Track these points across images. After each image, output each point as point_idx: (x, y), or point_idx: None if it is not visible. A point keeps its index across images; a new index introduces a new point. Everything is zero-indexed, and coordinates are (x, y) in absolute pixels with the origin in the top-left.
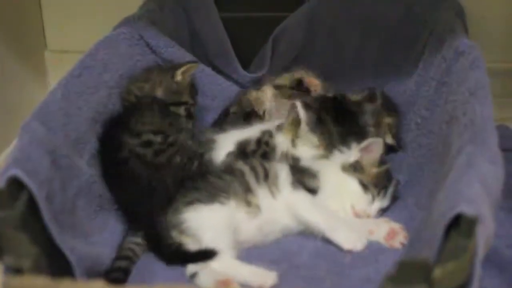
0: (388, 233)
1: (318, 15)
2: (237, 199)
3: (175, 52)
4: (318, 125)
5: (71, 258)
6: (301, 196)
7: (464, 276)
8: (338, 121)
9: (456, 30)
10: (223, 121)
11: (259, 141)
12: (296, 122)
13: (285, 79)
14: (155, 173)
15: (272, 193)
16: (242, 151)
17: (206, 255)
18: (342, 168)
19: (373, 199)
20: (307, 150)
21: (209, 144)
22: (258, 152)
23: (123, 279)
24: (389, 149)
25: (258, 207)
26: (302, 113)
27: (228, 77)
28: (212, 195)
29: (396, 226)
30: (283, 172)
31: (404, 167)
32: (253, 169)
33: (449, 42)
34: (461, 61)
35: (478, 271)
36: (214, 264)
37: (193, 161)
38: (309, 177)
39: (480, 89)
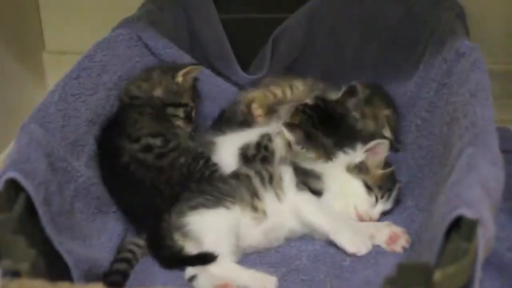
0: (389, 237)
1: (318, 16)
2: (243, 205)
3: (174, 53)
4: (308, 141)
5: (69, 260)
6: (306, 198)
7: (465, 279)
8: (327, 131)
9: (457, 31)
10: (222, 123)
11: (258, 145)
12: (288, 142)
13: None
14: (159, 176)
15: (278, 196)
16: (244, 156)
17: (206, 258)
18: (347, 169)
19: (376, 201)
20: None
21: (209, 147)
22: (258, 157)
23: (121, 282)
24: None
25: (264, 213)
26: (288, 135)
27: (227, 78)
28: (218, 200)
29: (398, 230)
30: (287, 175)
31: (404, 168)
32: (258, 172)
33: (450, 44)
34: (462, 63)
35: (478, 273)
36: (213, 268)
37: (198, 160)
38: (314, 179)
39: (481, 90)
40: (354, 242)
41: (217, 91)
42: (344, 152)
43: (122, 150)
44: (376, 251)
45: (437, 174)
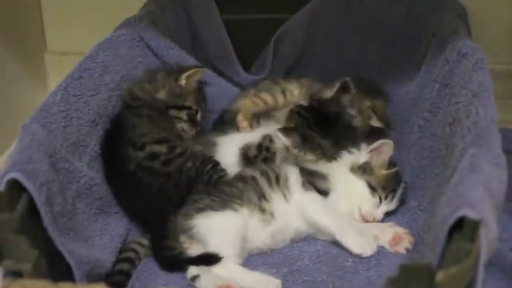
0: (393, 238)
1: (319, 17)
2: (251, 207)
3: (176, 53)
4: (305, 143)
5: (71, 261)
6: (312, 197)
7: (467, 279)
8: (323, 132)
9: (459, 32)
10: (223, 124)
11: (260, 146)
12: (286, 147)
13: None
14: (167, 181)
15: (285, 197)
16: (245, 156)
17: (210, 259)
18: (351, 169)
19: (380, 202)
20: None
21: (210, 147)
22: (259, 158)
23: (124, 283)
24: (380, 133)
25: (272, 214)
26: (284, 140)
27: (229, 79)
28: (225, 202)
29: (401, 231)
30: (293, 175)
31: (407, 169)
32: (264, 173)
33: (452, 44)
34: (464, 63)
35: (481, 274)
36: (217, 270)
37: (207, 164)
38: (320, 179)
39: (483, 91)
40: (360, 243)
41: (218, 91)
42: (349, 151)
43: (128, 158)
44: (378, 252)
45: (439, 175)
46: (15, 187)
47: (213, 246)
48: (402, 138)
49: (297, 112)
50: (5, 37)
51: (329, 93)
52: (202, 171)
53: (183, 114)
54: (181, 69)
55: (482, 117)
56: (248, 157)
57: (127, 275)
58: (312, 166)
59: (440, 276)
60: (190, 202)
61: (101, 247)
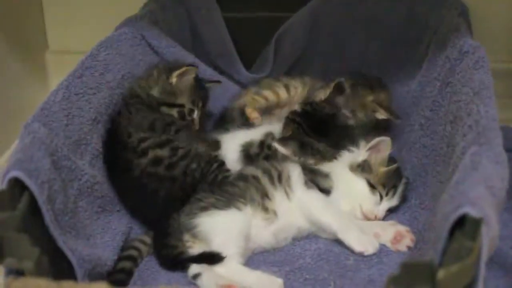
0: (394, 236)
1: (320, 16)
2: (254, 206)
3: (177, 52)
4: (304, 149)
5: (73, 259)
6: (314, 196)
7: (469, 277)
8: (319, 136)
9: (460, 30)
10: (225, 122)
11: (262, 144)
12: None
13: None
14: (172, 185)
15: (287, 195)
16: (246, 153)
17: (211, 258)
18: (350, 168)
19: (381, 199)
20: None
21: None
22: (261, 155)
23: (125, 281)
24: (388, 125)
25: (275, 213)
26: (283, 150)
27: (230, 77)
28: (229, 201)
29: (403, 229)
30: (295, 173)
31: (408, 168)
32: (266, 171)
33: (453, 42)
34: (465, 61)
35: (482, 272)
36: (219, 269)
37: (212, 164)
38: (322, 177)
39: (484, 89)
40: (362, 241)
41: (219, 90)
42: (349, 150)
43: (131, 165)
44: (380, 250)
45: (440, 173)
46: (17, 185)
47: (217, 245)
48: (403, 136)
49: (292, 119)
50: (7, 36)
51: (321, 95)
52: (208, 170)
53: (174, 112)
54: (175, 67)
55: (483, 115)
56: (249, 154)
57: (129, 273)
58: (313, 166)
59: (441, 274)
60: (194, 201)
61: (102, 245)
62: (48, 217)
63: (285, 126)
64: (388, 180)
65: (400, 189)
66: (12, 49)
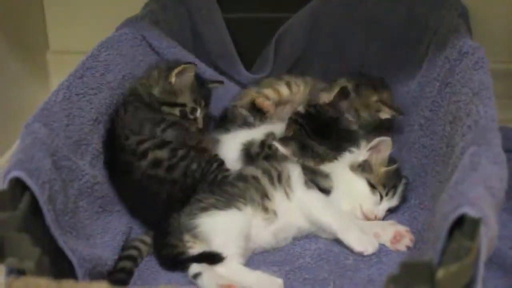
0: (394, 236)
1: (320, 17)
2: (254, 206)
3: (178, 52)
4: (304, 151)
5: (73, 259)
6: (314, 196)
7: (468, 277)
8: (321, 139)
9: (460, 30)
10: (225, 122)
11: (262, 144)
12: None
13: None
14: (173, 187)
15: (287, 195)
16: (247, 152)
17: (212, 258)
18: (351, 168)
19: (381, 199)
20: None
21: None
22: (261, 155)
23: (126, 281)
24: (390, 125)
25: (275, 213)
26: (283, 150)
27: (230, 78)
28: (229, 201)
29: (402, 228)
30: (295, 173)
31: (408, 168)
32: (266, 171)
33: (453, 43)
34: (465, 62)
35: (481, 272)
36: (220, 269)
37: (212, 163)
38: (322, 177)
39: (484, 89)
40: (362, 241)
41: (220, 90)
42: (349, 151)
43: (131, 167)
44: (379, 249)
45: (440, 173)
46: (18, 185)
47: (217, 245)
48: (403, 136)
49: (295, 120)
50: (7, 36)
51: (325, 98)
52: (208, 170)
53: (176, 111)
54: (173, 66)
55: (482, 116)
56: (250, 154)
57: (129, 273)
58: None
59: (440, 273)
60: (194, 201)
61: (103, 245)
62: (49, 217)
63: (288, 126)
64: (388, 180)
65: (400, 189)
66: (13, 49)
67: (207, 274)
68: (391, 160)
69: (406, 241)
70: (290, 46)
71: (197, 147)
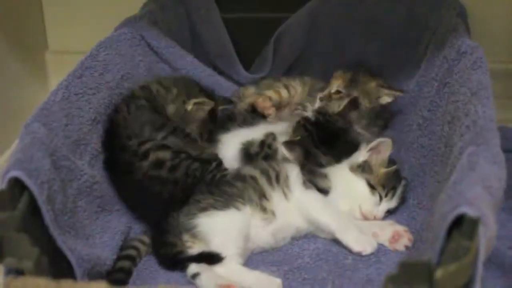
0: (392, 236)
1: (319, 17)
2: (252, 206)
3: (177, 52)
4: (307, 159)
5: (72, 259)
6: (312, 196)
7: (466, 277)
8: (326, 149)
9: (458, 30)
10: (225, 121)
11: (262, 144)
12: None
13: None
14: (175, 187)
15: (285, 195)
16: (246, 152)
17: (211, 258)
18: (350, 169)
19: (380, 200)
20: None
21: (214, 145)
22: (261, 155)
23: (124, 280)
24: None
25: (273, 213)
26: (287, 154)
27: (229, 78)
28: (228, 201)
29: (401, 228)
30: (293, 173)
31: (406, 168)
32: (264, 171)
33: (451, 43)
34: (463, 62)
35: (480, 272)
36: (219, 269)
37: (211, 162)
38: (321, 177)
39: (482, 89)
40: (360, 241)
41: (219, 90)
42: None
43: (132, 168)
44: (378, 249)
45: (438, 173)
46: (17, 185)
47: (216, 245)
48: (401, 136)
49: (303, 125)
50: (6, 36)
51: (335, 107)
52: (207, 169)
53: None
54: (193, 92)
55: (481, 116)
56: (249, 153)
57: (128, 272)
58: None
59: (439, 273)
60: (192, 202)
61: (102, 245)
62: (48, 217)
63: (295, 130)
64: (388, 181)
65: (399, 190)
66: (12, 49)
67: (206, 274)
68: (390, 161)
69: (405, 241)
70: (289, 46)
71: (199, 157)
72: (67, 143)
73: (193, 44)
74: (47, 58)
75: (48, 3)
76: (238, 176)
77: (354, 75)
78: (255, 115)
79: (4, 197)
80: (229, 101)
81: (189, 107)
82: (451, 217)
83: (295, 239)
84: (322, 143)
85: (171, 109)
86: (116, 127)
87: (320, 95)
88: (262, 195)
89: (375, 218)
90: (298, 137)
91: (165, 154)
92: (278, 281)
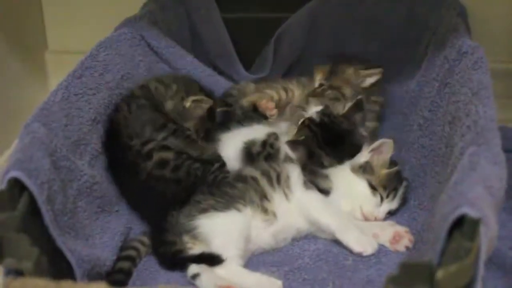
0: (393, 236)
1: (319, 17)
2: (253, 207)
3: (177, 52)
4: (310, 159)
5: (72, 259)
6: (313, 196)
7: (467, 277)
8: (330, 151)
9: (459, 30)
10: (226, 120)
11: (264, 143)
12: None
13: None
14: (178, 186)
15: (286, 196)
16: (248, 151)
17: (211, 259)
18: (352, 169)
19: (382, 201)
20: None
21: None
22: (262, 154)
23: (124, 281)
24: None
25: (274, 214)
26: (291, 153)
27: (229, 78)
28: (229, 202)
29: (401, 229)
30: (294, 173)
31: (407, 168)
32: (265, 173)
33: (452, 43)
34: (464, 62)
35: (481, 272)
36: (219, 270)
37: (213, 163)
38: (322, 178)
39: (483, 89)
40: (361, 242)
41: (219, 90)
42: None
43: (137, 167)
44: (379, 250)
45: (439, 174)
46: (17, 185)
47: (216, 246)
48: (402, 136)
49: (308, 126)
50: (6, 36)
51: (340, 109)
52: (209, 170)
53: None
54: (193, 90)
55: (481, 116)
56: (251, 153)
57: (128, 273)
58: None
59: (440, 274)
60: (193, 203)
61: (101, 245)
62: (47, 217)
63: (300, 130)
64: (389, 182)
65: (400, 192)
66: (12, 49)
67: (206, 275)
68: (392, 162)
69: (405, 241)
70: (289, 46)
71: (200, 158)
72: (67, 143)
73: (193, 44)
74: (47, 58)
75: (48, 3)
76: (239, 177)
77: (333, 66)
78: (255, 114)
79: (3, 198)
80: (228, 104)
81: (188, 104)
82: (452, 217)
83: (295, 239)
84: (326, 144)
85: (169, 105)
86: (116, 126)
87: (307, 93)
88: (263, 196)
89: (376, 219)
90: (302, 137)
91: (168, 154)
92: (278, 283)
